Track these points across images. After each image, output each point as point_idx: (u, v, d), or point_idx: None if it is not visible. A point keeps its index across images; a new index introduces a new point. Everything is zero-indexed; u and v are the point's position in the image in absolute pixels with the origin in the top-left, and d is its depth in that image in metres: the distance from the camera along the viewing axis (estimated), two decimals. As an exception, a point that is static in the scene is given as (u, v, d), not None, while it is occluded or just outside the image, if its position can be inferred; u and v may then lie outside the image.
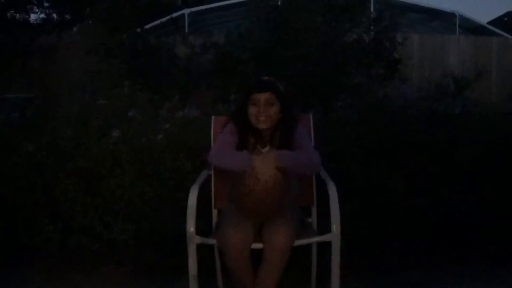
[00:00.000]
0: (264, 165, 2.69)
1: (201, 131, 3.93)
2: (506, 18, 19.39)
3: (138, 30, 6.95)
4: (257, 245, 2.71)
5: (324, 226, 2.93)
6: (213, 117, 3.36)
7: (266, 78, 3.15)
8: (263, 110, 2.96)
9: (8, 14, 12.72)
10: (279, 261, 2.68)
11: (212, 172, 3.22)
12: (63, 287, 3.62)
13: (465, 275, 3.70)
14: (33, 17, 15.76)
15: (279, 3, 6.55)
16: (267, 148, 3.02)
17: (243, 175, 2.69)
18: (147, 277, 3.73)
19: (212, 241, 2.81)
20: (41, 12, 14.16)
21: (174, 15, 10.48)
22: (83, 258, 3.85)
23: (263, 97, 2.97)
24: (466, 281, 3.64)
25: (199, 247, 2.84)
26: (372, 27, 6.74)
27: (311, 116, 3.35)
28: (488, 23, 15.21)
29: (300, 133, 3.01)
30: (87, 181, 3.93)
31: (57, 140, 4.11)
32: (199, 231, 2.83)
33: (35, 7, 13.57)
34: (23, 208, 3.93)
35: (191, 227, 2.80)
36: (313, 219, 3.25)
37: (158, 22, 9.64)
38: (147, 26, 8.06)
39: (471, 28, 13.63)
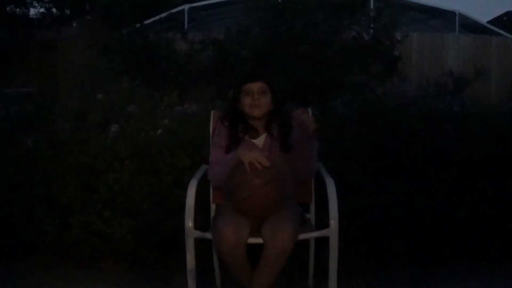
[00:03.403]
0: (248, 149, 2.83)
1: (200, 126, 3.93)
2: (505, 18, 19.39)
3: (138, 25, 6.96)
4: (257, 240, 2.71)
5: (322, 223, 2.94)
6: (212, 112, 3.37)
7: (256, 69, 3.19)
8: (257, 99, 2.99)
9: (8, 9, 12.68)
10: (280, 259, 2.68)
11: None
12: (61, 282, 3.62)
13: (464, 273, 3.71)
14: (32, 11, 15.68)
15: (279, 0, 6.56)
16: (261, 137, 3.05)
17: (241, 181, 2.71)
18: (145, 273, 3.74)
19: (209, 235, 2.80)
20: (41, 7, 14.12)
21: (174, 11, 10.50)
22: (81, 253, 3.86)
23: (256, 86, 3.02)
24: (465, 279, 3.64)
25: (197, 242, 2.85)
26: (371, 25, 6.75)
27: (309, 111, 3.35)
28: (488, 22, 15.20)
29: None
30: (85, 176, 3.93)
31: (55, 135, 4.10)
32: (197, 226, 2.84)
33: (34, 2, 13.52)
34: (21, 202, 3.92)
35: (189, 222, 2.81)
36: (311, 215, 3.26)
37: (157, 18, 9.64)
38: (147, 22, 8.06)
39: (471, 27, 13.61)
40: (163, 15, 9.58)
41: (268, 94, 3.05)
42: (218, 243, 2.69)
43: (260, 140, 3.06)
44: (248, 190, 2.68)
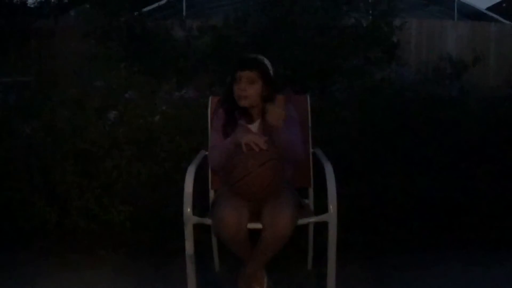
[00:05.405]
0: (244, 132, 2.80)
1: (198, 112, 3.93)
2: (504, 4, 19.33)
3: (136, 13, 6.93)
4: (256, 225, 2.71)
5: (321, 208, 2.93)
6: (210, 97, 3.36)
7: (252, 55, 3.12)
8: (243, 88, 2.96)
9: (6, -3, 12.64)
10: (279, 244, 2.69)
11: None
12: (60, 269, 3.61)
13: (461, 258, 3.71)
14: (30, 0, 15.67)
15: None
16: (256, 123, 3.03)
17: (237, 162, 2.71)
18: (144, 259, 3.73)
19: (208, 221, 2.79)
20: (39, -5, 14.07)
21: (172, -2, 10.46)
22: (80, 240, 3.86)
23: (244, 75, 2.97)
24: (462, 264, 3.64)
25: (196, 227, 2.84)
26: (370, 11, 6.72)
27: (308, 97, 3.34)
28: (487, 9, 15.18)
29: (290, 116, 2.99)
30: (84, 162, 3.93)
31: (54, 121, 4.10)
32: (196, 211, 2.84)
33: (33, -10, 13.48)
34: (20, 190, 3.92)
35: (187, 207, 2.80)
36: (310, 200, 3.26)
37: (156, 5, 9.63)
38: (145, 9, 8.04)
39: (470, 13, 13.60)
40: (161, 2, 9.57)
41: (257, 83, 2.97)
42: (219, 229, 2.69)
43: (255, 126, 3.05)
44: (243, 171, 2.67)
